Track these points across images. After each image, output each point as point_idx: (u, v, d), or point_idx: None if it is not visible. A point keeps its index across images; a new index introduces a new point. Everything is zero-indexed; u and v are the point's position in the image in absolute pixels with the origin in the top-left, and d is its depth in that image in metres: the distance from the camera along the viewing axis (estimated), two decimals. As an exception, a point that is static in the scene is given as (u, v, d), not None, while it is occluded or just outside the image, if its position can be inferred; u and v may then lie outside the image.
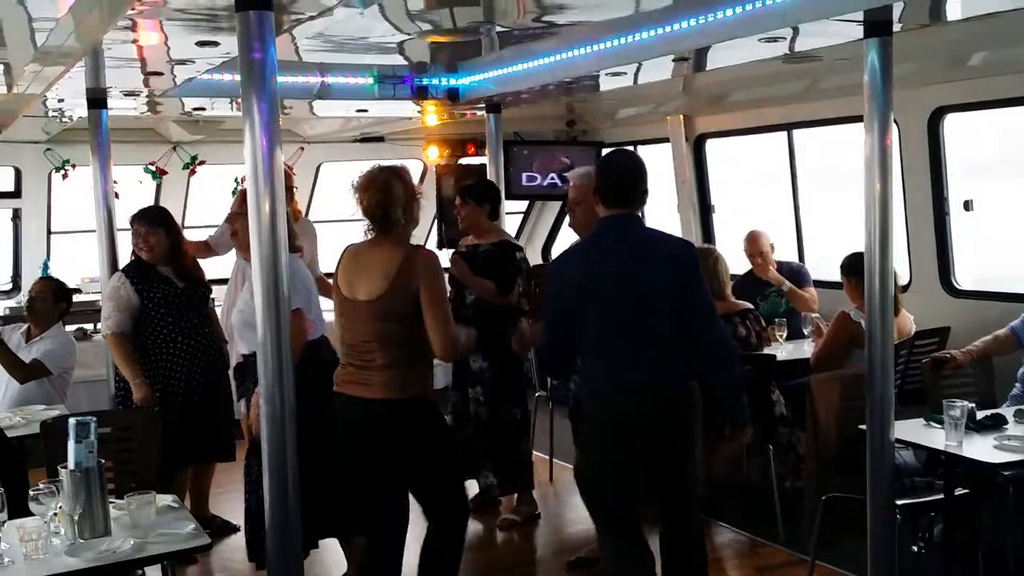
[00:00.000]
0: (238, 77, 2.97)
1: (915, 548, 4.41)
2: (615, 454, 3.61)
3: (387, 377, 3.60)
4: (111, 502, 3.20)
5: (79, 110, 5.76)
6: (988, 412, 4.08)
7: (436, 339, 3.56)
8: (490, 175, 6.40)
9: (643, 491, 3.73)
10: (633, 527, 3.73)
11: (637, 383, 3.57)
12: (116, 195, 5.33)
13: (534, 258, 9.85)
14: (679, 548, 3.76)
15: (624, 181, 3.72)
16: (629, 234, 3.69)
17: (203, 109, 6.38)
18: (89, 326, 7.26)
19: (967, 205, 6.01)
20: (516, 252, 5.36)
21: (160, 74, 4.68)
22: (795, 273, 6.56)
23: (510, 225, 8.81)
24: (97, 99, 5.11)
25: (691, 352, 3.62)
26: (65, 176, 7.86)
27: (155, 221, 5.07)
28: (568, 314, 3.63)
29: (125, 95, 5.38)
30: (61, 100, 5.61)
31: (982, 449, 3.74)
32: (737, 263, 7.02)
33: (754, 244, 6.50)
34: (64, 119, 6.42)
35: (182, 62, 4.33)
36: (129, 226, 5.08)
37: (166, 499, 3.39)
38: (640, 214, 3.83)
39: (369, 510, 3.83)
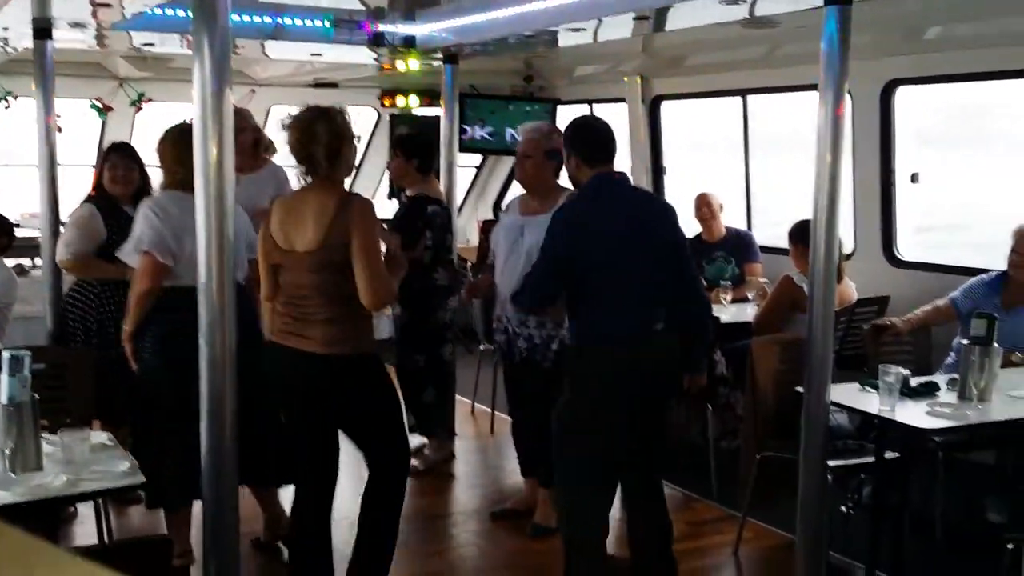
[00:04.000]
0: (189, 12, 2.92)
1: (844, 509, 4.51)
2: (616, 399, 3.66)
3: (325, 332, 3.52)
4: (44, 438, 3.15)
5: (24, 40, 5.59)
6: (922, 379, 4.16)
7: (362, 288, 3.46)
8: (443, 127, 6.33)
9: (627, 443, 3.76)
10: (612, 479, 3.83)
11: (637, 333, 3.69)
12: (59, 129, 5.21)
13: (485, 213, 9.81)
14: (648, 509, 3.85)
15: (607, 139, 3.81)
16: (624, 191, 3.81)
17: (152, 45, 6.23)
18: (27, 261, 7.10)
19: (914, 178, 6.10)
20: (428, 206, 5.38)
21: (108, 6, 4.56)
22: (742, 240, 6.61)
23: (463, 178, 8.76)
24: (43, 29, 4.96)
25: (677, 307, 3.76)
26: (7, 107, 7.66)
27: (135, 157, 5.01)
28: (565, 268, 3.65)
29: (72, 26, 5.23)
30: (5, 29, 5.44)
31: (914, 415, 3.80)
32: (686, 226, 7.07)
33: (703, 205, 6.55)
34: (8, 49, 6.23)
35: (132, -7, 4.22)
36: (103, 159, 5.00)
37: (101, 436, 3.36)
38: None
39: (301, 460, 3.78)
